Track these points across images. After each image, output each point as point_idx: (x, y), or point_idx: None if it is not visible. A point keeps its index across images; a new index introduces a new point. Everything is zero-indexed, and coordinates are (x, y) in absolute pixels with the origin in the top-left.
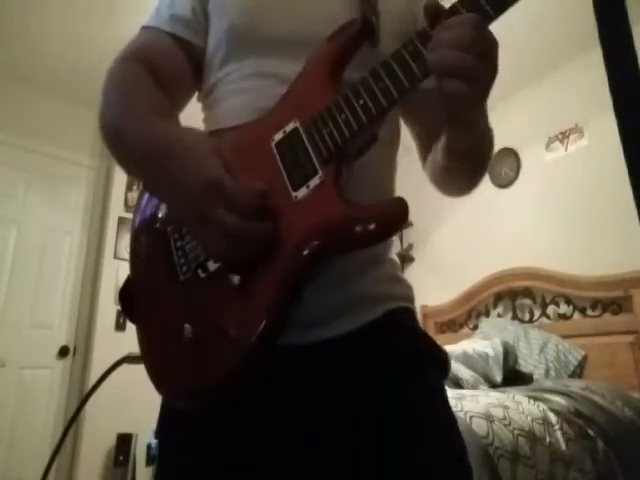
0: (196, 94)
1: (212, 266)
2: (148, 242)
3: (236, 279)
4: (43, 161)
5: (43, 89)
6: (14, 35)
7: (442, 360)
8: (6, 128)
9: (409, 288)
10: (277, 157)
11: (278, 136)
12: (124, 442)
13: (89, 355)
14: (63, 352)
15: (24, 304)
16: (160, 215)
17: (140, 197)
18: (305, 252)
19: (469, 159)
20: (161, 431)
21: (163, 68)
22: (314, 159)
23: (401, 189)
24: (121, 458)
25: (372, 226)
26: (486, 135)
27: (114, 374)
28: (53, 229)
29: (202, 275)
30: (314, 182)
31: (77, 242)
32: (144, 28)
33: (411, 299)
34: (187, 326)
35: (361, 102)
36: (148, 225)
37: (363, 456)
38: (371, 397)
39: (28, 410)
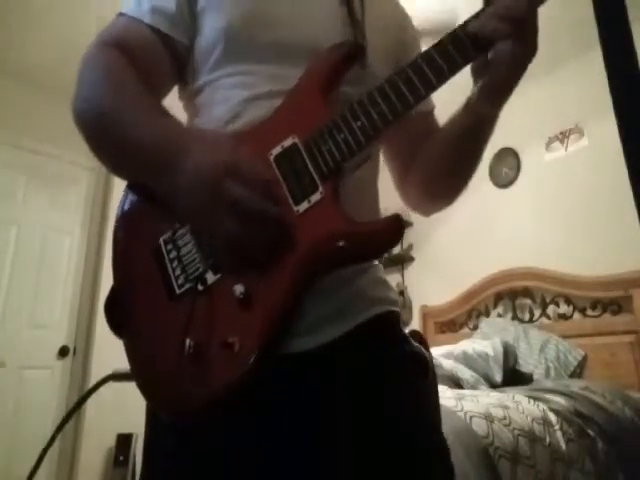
0: (176, 93)
1: (211, 278)
2: (136, 253)
3: (238, 291)
4: (43, 161)
5: (43, 89)
6: (15, 35)
7: (425, 362)
8: (6, 128)
9: (395, 292)
10: (276, 170)
11: (276, 150)
12: (124, 442)
13: (89, 355)
14: (63, 352)
15: (24, 304)
16: (151, 225)
17: (123, 206)
18: (310, 265)
19: (482, 133)
20: (153, 434)
21: (143, 62)
22: (314, 175)
23: None
24: (121, 458)
25: (373, 242)
26: (496, 119)
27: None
28: (53, 229)
29: (200, 288)
30: (315, 197)
31: (77, 242)
32: (122, 15)
33: (397, 303)
34: (188, 340)
35: (359, 124)
36: (136, 236)
37: (349, 457)
38: (367, 398)
39: (28, 410)
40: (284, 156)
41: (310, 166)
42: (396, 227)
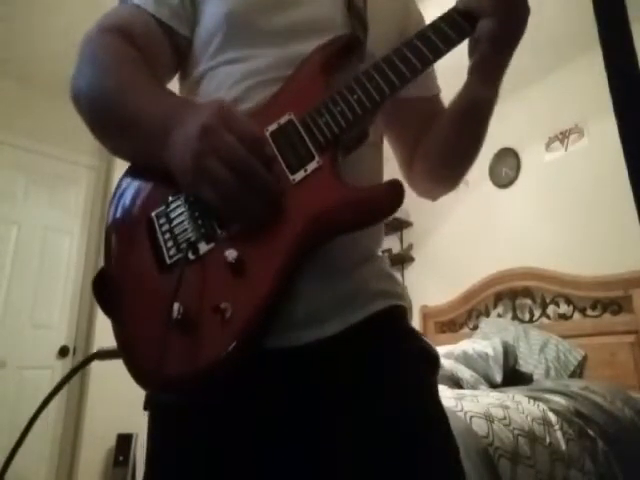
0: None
1: (204, 248)
2: (128, 229)
3: (231, 257)
4: (43, 161)
5: (43, 89)
6: (15, 35)
7: (433, 358)
8: (6, 128)
9: (400, 285)
10: (272, 144)
11: (272, 127)
12: (124, 442)
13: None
14: (63, 352)
15: (24, 304)
16: (143, 203)
17: (119, 188)
18: (308, 232)
19: (479, 115)
20: (154, 432)
21: (145, 49)
22: (310, 146)
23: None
24: (121, 458)
25: (373, 207)
26: (494, 101)
27: (115, 374)
28: (53, 229)
29: (192, 257)
30: (312, 166)
31: (77, 242)
32: (124, 3)
33: (403, 297)
34: (177, 305)
35: (355, 97)
36: (128, 213)
37: (350, 457)
38: (368, 397)
39: (28, 410)
40: (280, 131)
41: (306, 137)
42: (396, 191)
